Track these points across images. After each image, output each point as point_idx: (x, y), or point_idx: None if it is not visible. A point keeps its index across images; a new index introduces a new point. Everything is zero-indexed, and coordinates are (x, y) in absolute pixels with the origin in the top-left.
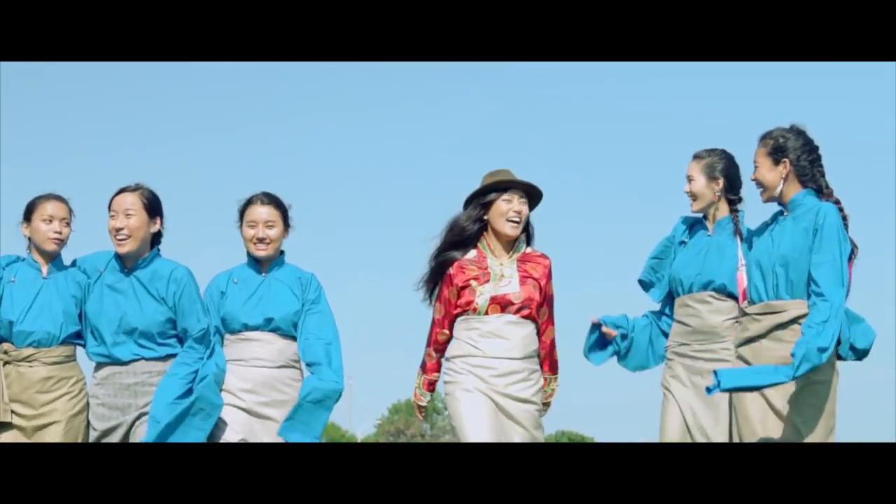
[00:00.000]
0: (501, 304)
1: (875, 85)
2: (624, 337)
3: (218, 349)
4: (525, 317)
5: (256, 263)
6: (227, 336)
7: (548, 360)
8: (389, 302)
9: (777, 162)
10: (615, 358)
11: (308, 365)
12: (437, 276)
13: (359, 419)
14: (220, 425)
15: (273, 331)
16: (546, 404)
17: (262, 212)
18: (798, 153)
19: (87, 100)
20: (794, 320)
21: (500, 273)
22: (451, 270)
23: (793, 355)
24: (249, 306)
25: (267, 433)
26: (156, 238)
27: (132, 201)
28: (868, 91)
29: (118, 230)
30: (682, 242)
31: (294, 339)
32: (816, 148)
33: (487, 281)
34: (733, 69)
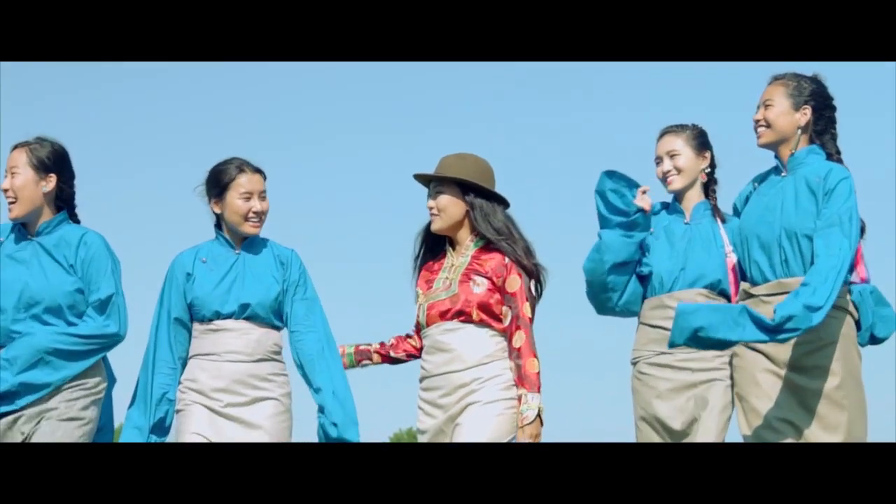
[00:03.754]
0: (440, 312)
1: (875, 85)
2: (635, 225)
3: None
4: (465, 321)
5: (229, 240)
6: (196, 326)
7: (519, 370)
8: (390, 331)
9: (797, 107)
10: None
11: (299, 365)
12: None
13: None
14: (183, 425)
15: (249, 319)
16: (523, 429)
17: (256, 181)
18: (823, 104)
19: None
20: None
21: (446, 276)
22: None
23: (774, 311)
24: (221, 290)
25: (236, 433)
26: (63, 200)
27: (18, 158)
28: (868, 91)
29: (5, 191)
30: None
31: (274, 327)
32: (836, 108)
33: (430, 288)
34: (730, 69)
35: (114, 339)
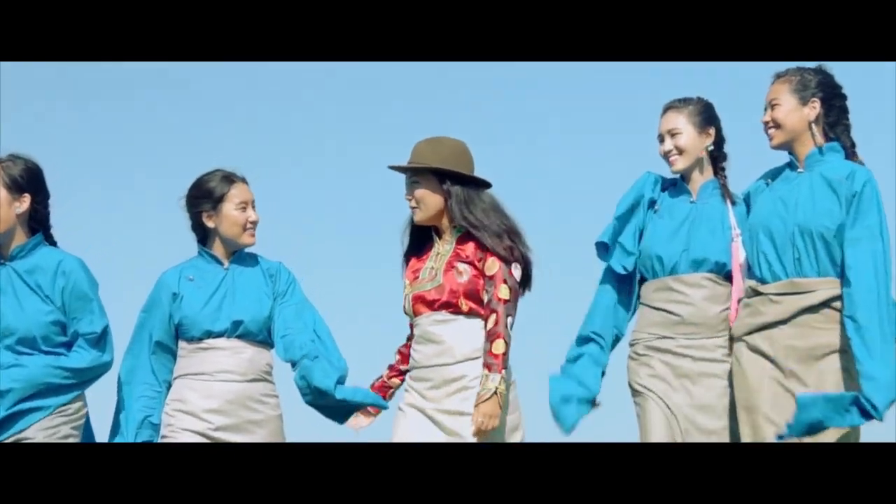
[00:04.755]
0: (426, 302)
1: (875, 85)
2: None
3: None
4: (454, 312)
5: (216, 255)
6: (183, 346)
7: (486, 353)
8: (391, 343)
9: (805, 101)
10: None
11: (294, 363)
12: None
13: None
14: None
15: (241, 337)
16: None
17: (246, 190)
18: (831, 94)
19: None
20: (826, 304)
21: (432, 265)
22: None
23: (875, 406)
24: (211, 308)
25: None
26: (38, 221)
27: None
28: (868, 91)
29: None
30: (653, 204)
31: (266, 346)
32: (846, 97)
33: (416, 278)
34: (730, 69)
35: (108, 368)
